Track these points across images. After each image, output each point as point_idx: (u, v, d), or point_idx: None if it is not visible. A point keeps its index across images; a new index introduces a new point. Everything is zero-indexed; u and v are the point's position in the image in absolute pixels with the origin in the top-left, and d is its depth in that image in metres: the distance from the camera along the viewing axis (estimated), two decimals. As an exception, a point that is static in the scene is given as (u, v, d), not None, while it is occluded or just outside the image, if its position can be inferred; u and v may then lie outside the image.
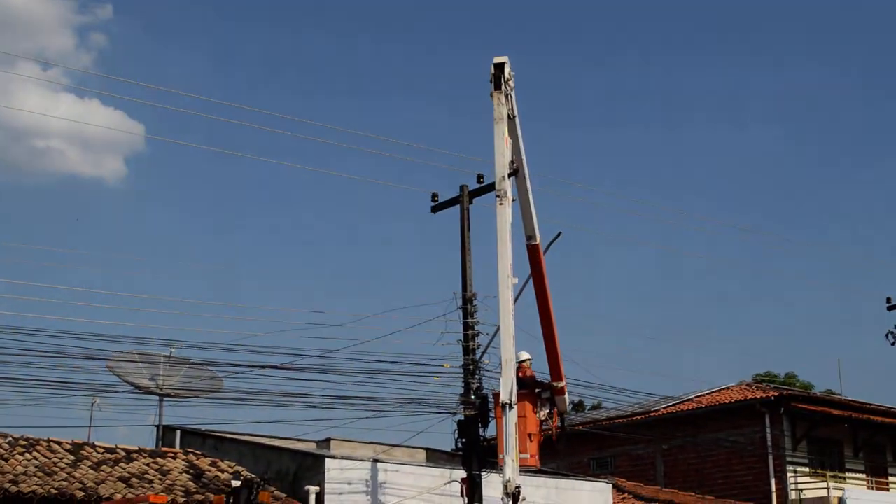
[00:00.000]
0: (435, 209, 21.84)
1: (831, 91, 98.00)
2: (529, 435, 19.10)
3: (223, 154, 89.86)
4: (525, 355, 19.80)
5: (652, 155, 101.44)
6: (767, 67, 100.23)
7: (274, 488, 20.36)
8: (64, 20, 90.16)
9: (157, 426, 24.53)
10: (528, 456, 18.98)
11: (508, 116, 18.26)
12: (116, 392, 22.55)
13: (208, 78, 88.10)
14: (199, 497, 18.46)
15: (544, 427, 20.28)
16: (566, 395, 20.70)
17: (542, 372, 20.61)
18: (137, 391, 23.36)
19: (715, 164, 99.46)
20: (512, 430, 17.39)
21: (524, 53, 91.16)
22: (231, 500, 13.47)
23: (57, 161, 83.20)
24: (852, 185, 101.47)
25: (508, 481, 16.89)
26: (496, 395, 18.84)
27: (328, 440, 24.43)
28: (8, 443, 20.38)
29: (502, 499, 16.99)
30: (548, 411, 20.36)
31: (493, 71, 18.05)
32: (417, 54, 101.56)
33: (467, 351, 20.29)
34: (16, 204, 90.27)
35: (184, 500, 17.76)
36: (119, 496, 15.84)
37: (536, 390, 20.16)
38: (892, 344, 30.05)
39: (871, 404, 35.87)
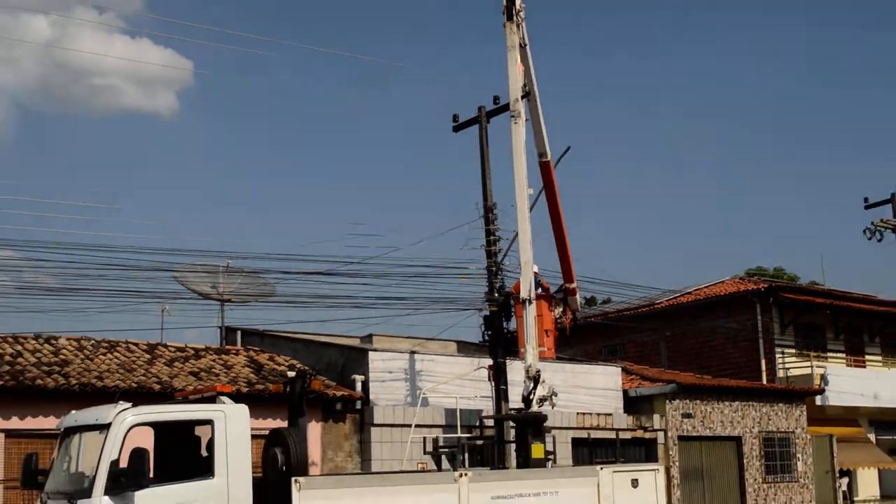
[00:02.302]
0: (456, 129, 21.79)
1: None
2: (546, 331, 19.32)
3: (264, 83, 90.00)
4: (535, 268, 19.98)
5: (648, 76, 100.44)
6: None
7: (324, 378, 20.80)
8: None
9: (221, 328, 24.91)
10: (545, 349, 19.25)
11: (520, 44, 18.24)
12: (183, 299, 23.01)
13: (243, 13, 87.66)
14: (260, 387, 18.84)
15: (558, 323, 20.52)
16: (577, 295, 20.91)
17: (555, 273, 20.91)
18: (201, 298, 23.79)
19: (712, 81, 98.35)
20: (532, 322, 17.71)
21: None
22: (287, 389, 13.72)
23: (114, 98, 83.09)
24: (838, 96, 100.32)
25: (530, 366, 17.26)
26: (516, 293, 19.10)
27: (370, 336, 24.78)
28: (92, 345, 20.83)
29: (524, 381, 17.38)
30: (561, 309, 20.57)
31: (504, 3, 18.03)
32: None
33: (490, 254, 20.48)
34: (82, 137, 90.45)
35: (246, 389, 18.14)
36: (190, 388, 16.25)
37: (551, 292, 20.44)
38: (869, 238, 29.97)
39: (850, 293, 35.98)
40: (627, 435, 24.02)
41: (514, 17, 17.87)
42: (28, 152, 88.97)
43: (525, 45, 18.21)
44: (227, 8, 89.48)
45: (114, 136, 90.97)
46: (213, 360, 21.37)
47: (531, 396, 16.84)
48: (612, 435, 22.46)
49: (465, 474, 13.36)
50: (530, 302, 17.61)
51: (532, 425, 16.41)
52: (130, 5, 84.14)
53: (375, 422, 20.54)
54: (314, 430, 19.38)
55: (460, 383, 21.41)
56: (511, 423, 17.61)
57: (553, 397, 17.20)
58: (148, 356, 20.76)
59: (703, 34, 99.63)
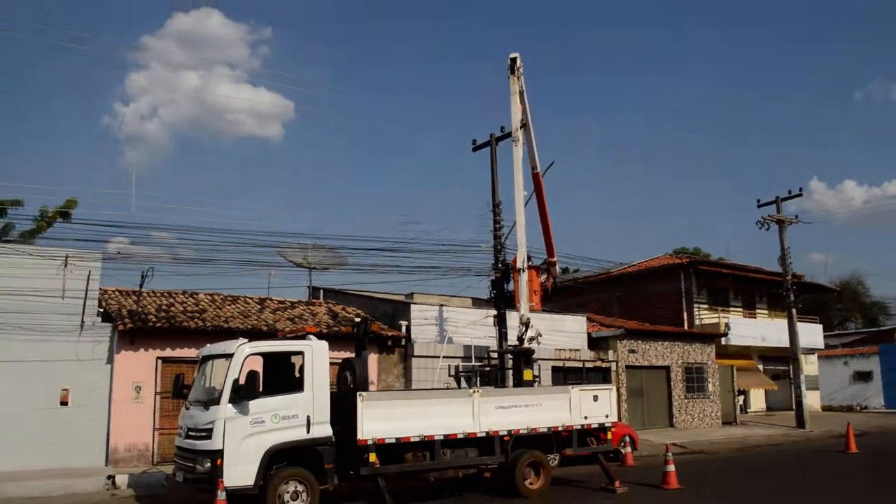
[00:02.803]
0: (474, 149, 21.66)
1: None
2: (534, 291, 19.24)
3: (341, 118, 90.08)
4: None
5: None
6: None
7: (380, 323, 20.82)
8: (241, 38, 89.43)
9: (309, 287, 24.98)
10: (534, 304, 19.16)
11: (519, 91, 18.06)
12: (284, 267, 23.07)
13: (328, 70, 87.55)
14: (336, 329, 18.91)
15: (543, 285, 20.40)
16: (557, 266, 20.79)
17: (541, 250, 20.76)
18: (295, 266, 23.83)
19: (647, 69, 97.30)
20: (524, 285, 17.61)
21: None
22: (355, 329, 13.71)
23: (240, 127, 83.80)
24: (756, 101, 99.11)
25: (522, 315, 17.17)
26: (513, 264, 18.97)
27: (412, 294, 24.79)
28: (221, 298, 20.95)
29: (519, 326, 17.29)
30: (545, 276, 20.47)
31: (508, 63, 17.84)
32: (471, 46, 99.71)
33: (496, 237, 20.32)
34: (217, 154, 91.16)
35: (326, 331, 18.18)
36: (288, 328, 16.26)
37: (538, 265, 20.33)
38: (760, 228, 29.74)
39: (746, 265, 35.59)
40: (590, 364, 23.90)
41: (515, 72, 17.71)
42: (180, 165, 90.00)
43: (523, 91, 18.01)
44: (319, 66, 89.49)
45: (239, 153, 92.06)
46: (304, 310, 21.43)
47: (523, 337, 16.76)
48: (580, 364, 22.31)
49: (477, 391, 13.29)
50: (523, 270, 17.52)
51: (524, 357, 16.34)
52: (252, 64, 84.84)
53: (416, 354, 20.54)
54: (372, 359, 19.43)
55: (474, 327, 21.41)
56: (509, 356, 17.52)
57: (539, 337, 17.12)
58: (259, 307, 20.85)
59: (657, 54, 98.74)
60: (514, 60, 17.62)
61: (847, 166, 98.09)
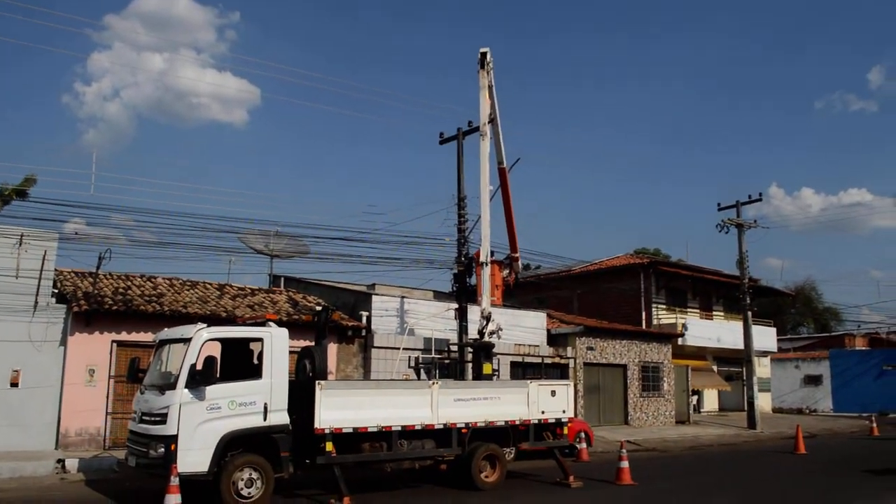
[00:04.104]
0: (442, 142, 21.63)
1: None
2: (496, 286, 19.29)
3: (307, 107, 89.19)
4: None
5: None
6: None
7: (340, 312, 20.73)
8: (208, 21, 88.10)
9: (269, 275, 24.74)
10: (495, 299, 19.20)
11: (489, 86, 18.07)
12: (244, 253, 22.82)
13: (297, 56, 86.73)
14: (296, 317, 18.78)
15: (505, 280, 20.46)
16: (519, 262, 20.89)
17: (504, 245, 20.82)
18: (256, 253, 23.58)
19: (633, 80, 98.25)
20: (487, 279, 17.67)
21: None
22: (315, 318, 13.65)
23: (204, 112, 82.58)
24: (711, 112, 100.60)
25: (484, 309, 17.23)
26: (477, 258, 19.02)
27: (374, 285, 24.73)
28: (180, 283, 20.67)
29: (480, 320, 17.33)
30: (508, 271, 20.53)
31: (479, 57, 17.85)
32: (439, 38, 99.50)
33: (460, 230, 20.39)
34: (179, 138, 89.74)
35: (286, 318, 18.05)
36: (248, 315, 16.13)
37: (501, 259, 20.37)
38: (720, 231, 30.22)
39: (704, 267, 36.16)
40: (549, 360, 24.11)
41: (485, 67, 17.71)
42: (142, 148, 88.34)
43: (492, 86, 18.01)
44: (285, 49, 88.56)
45: (203, 137, 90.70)
46: (264, 298, 21.25)
47: (484, 330, 16.80)
48: (539, 360, 22.52)
49: (436, 383, 13.32)
50: (487, 264, 17.56)
51: (484, 350, 16.40)
52: (218, 49, 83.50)
53: (375, 345, 20.51)
54: (331, 349, 19.35)
55: (434, 320, 21.44)
56: (469, 349, 17.59)
57: (499, 332, 17.17)
58: (218, 293, 20.62)
59: (619, 60, 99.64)
60: (484, 55, 17.61)
61: (805, 174, 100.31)
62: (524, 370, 22.33)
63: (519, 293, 28.65)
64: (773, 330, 38.34)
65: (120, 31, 75.21)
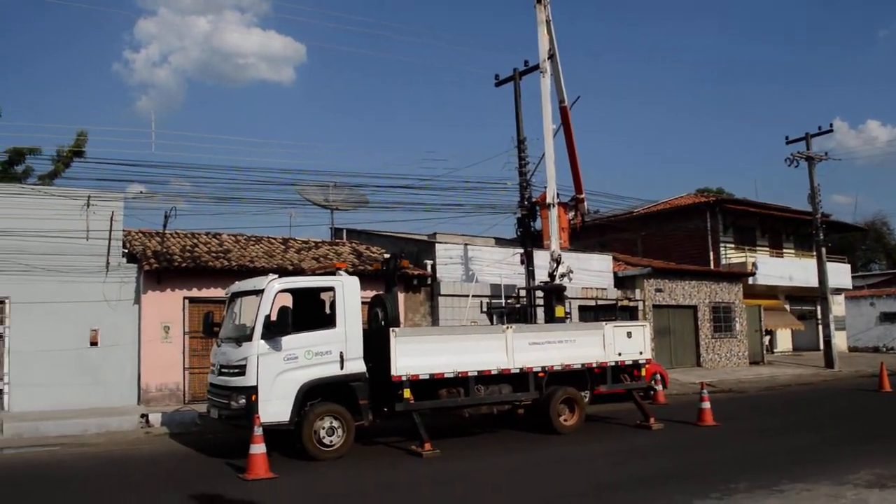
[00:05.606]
0: (497, 84, 21.02)
1: None
2: (562, 229, 18.87)
3: (355, 57, 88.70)
4: None
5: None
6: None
7: (408, 260, 20.56)
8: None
9: (331, 227, 24.75)
10: (562, 241, 18.81)
11: (546, 21, 17.40)
12: (304, 206, 22.80)
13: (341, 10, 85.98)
14: (361, 268, 18.65)
15: (571, 223, 20.00)
16: (585, 203, 20.35)
17: (568, 187, 20.30)
18: (317, 206, 23.53)
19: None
20: (555, 220, 17.24)
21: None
22: (385, 266, 13.45)
23: (252, 72, 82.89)
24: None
25: (553, 251, 16.86)
26: (541, 201, 18.58)
27: (435, 234, 24.54)
28: (244, 239, 20.76)
29: (549, 262, 16.97)
30: (573, 213, 20.04)
31: (535, -9, 17.17)
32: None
33: (521, 174, 19.89)
34: (229, 99, 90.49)
35: (352, 269, 17.93)
36: (316, 266, 16.03)
37: (566, 201, 19.86)
38: (789, 166, 29.02)
39: (773, 204, 34.96)
40: (620, 303, 23.62)
41: (542, 0, 17.01)
42: (193, 111, 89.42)
43: (550, 20, 17.32)
44: (331, 5, 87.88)
45: (252, 97, 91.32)
46: (328, 250, 21.22)
47: (554, 273, 16.46)
48: (609, 303, 22.06)
49: (510, 327, 13.04)
50: (554, 206, 17.12)
51: (556, 293, 16.07)
52: (262, 7, 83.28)
53: (442, 293, 20.33)
54: (399, 298, 19.20)
55: (499, 266, 21.15)
56: (538, 293, 17.24)
57: (570, 274, 16.79)
58: (283, 247, 20.66)
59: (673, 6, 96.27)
60: (540, -12, 16.94)
61: (870, 106, 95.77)
62: (596, 314, 21.89)
63: (581, 237, 28.10)
64: (848, 266, 37.02)
65: (166, -4, 75.49)
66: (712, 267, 30.50)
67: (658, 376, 18.45)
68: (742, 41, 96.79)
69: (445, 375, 11.88)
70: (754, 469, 9.37)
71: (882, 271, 56.83)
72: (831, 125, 29.42)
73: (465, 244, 21.71)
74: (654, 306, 25.41)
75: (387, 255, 14.28)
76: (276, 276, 11.29)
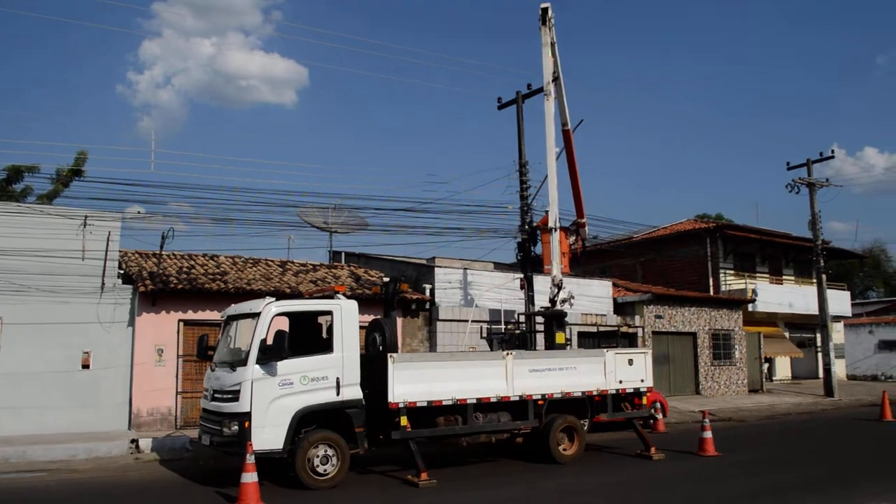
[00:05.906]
0: (500, 107, 20.95)
1: None
2: (563, 253, 18.69)
3: (356, 79, 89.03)
4: None
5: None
6: None
7: (407, 284, 20.34)
8: (254, 3, 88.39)
9: (329, 250, 24.54)
10: (563, 266, 18.63)
11: (551, 43, 17.34)
12: (303, 229, 22.59)
13: (344, 24, 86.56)
14: (359, 291, 18.44)
15: (572, 248, 19.82)
16: (586, 228, 20.17)
17: (570, 211, 20.14)
18: (316, 228, 23.34)
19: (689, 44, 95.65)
20: (556, 245, 17.05)
21: None
22: (384, 289, 13.22)
23: (255, 94, 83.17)
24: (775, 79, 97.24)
25: (555, 276, 16.64)
26: (542, 226, 18.41)
27: (434, 258, 24.34)
28: (242, 261, 20.53)
29: (550, 287, 16.75)
30: (574, 238, 19.88)
31: (540, 13, 17.11)
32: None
33: (522, 197, 19.74)
34: (230, 121, 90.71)
35: (349, 293, 17.71)
36: (314, 289, 15.80)
37: (567, 226, 19.69)
38: (790, 192, 28.98)
39: (773, 230, 34.86)
40: (620, 330, 23.41)
41: (547, 23, 16.98)
42: (194, 132, 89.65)
43: (554, 43, 17.26)
44: (334, 29, 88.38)
45: (253, 119, 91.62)
46: (326, 273, 20.98)
47: (555, 299, 16.23)
48: (607, 329, 21.83)
49: (510, 353, 12.80)
50: (555, 230, 16.94)
51: (556, 319, 15.83)
52: (265, 30, 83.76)
53: (440, 318, 20.08)
54: (396, 323, 18.96)
55: (498, 291, 20.93)
56: (538, 319, 17.00)
57: (571, 300, 16.57)
58: (280, 269, 20.42)
59: (673, 29, 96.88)
60: (545, 11, 16.89)
61: (867, 134, 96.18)
62: (598, 340, 21.64)
63: (581, 263, 27.92)
64: (847, 294, 36.82)
65: (168, 19, 75.93)
66: (712, 293, 30.30)
67: (658, 405, 18.15)
68: (743, 69, 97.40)
69: (443, 403, 11.61)
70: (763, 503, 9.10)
71: (880, 299, 56.66)
72: (833, 151, 29.64)
73: (465, 268, 21.50)
74: (654, 333, 25.15)
75: (385, 279, 14.05)
76: (273, 299, 11.06)
